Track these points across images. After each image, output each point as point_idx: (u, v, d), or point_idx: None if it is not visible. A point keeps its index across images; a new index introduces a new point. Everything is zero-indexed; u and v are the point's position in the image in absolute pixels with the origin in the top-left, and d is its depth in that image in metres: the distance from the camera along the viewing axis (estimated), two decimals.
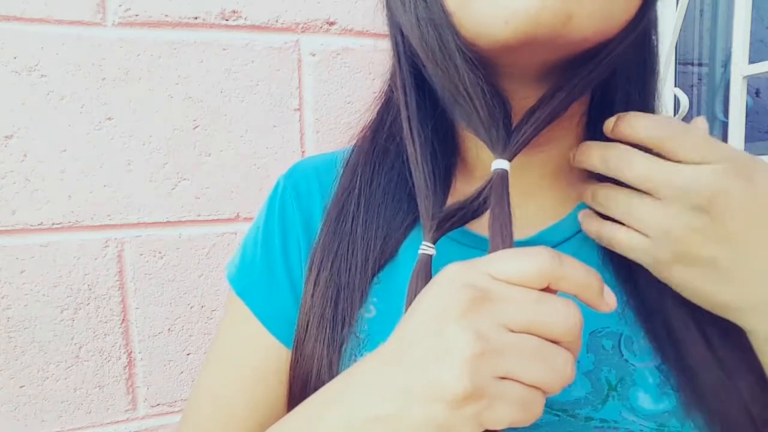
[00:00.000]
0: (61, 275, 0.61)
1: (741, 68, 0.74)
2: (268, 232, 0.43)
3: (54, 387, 0.62)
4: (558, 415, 0.34)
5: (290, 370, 0.40)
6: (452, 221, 0.34)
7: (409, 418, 0.26)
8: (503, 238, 0.29)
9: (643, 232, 0.32)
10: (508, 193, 0.30)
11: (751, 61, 0.73)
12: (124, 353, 0.63)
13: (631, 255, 0.34)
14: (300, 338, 0.39)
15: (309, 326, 0.39)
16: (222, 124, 0.64)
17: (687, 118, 0.87)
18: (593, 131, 0.39)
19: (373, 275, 0.39)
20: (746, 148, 0.76)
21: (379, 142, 0.43)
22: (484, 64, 0.31)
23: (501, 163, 0.31)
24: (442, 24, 0.31)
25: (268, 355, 0.41)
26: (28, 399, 0.61)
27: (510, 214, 0.30)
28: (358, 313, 0.38)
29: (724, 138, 0.88)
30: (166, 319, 0.64)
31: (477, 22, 0.29)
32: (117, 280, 0.62)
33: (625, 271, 0.37)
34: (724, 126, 0.92)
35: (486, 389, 0.24)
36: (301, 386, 0.39)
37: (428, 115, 0.37)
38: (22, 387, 0.61)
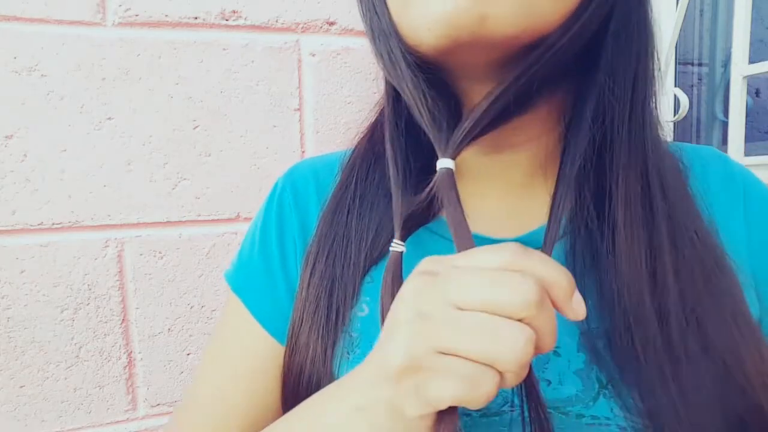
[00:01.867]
0: (61, 275, 0.61)
1: (741, 68, 0.74)
2: (266, 231, 0.44)
3: (54, 387, 0.62)
4: (549, 413, 0.34)
5: (285, 362, 0.41)
6: (415, 221, 0.35)
7: (372, 402, 0.27)
8: (460, 235, 0.29)
9: None
10: (456, 191, 0.31)
11: (751, 61, 0.73)
12: (124, 353, 0.63)
13: None
14: (295, 329, 0.40)
15: (304, 316, 0.39)
16: (222, 124, 0.64)
17: (687, 118, 0.87)
18: (575, 128, 0.38)
19: (366, 268, 0.40)
20: (746, 148, 0.76)
21: (377, 141, 0.44)
22: (438, 68, 0.33)
23: (444, 162, 0.32)
24: (390, 33, 0.33)
25: (264, 352, 0.42)
26: (28, 399, 0.61)
27: (462, 210, 0.30)
28: (351, 310, 0.38)
29: (724, 138, 0.88)
30: (166, 319, 0.64)
31: (411, 31, 0.31)
32: (117, 280, 0.62)
33: None
34: (724, 126, 0.92)
35: (422, 361, 0.24)
36: (295, 377, 0.39)
37: (402, 117, 0.38)
38: (22, 387, 0.61)
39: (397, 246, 0.34)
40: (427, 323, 0.25)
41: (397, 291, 0.34)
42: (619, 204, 0.35)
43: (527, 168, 0.40)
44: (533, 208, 0.39)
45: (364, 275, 0.39)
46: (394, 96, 0.38)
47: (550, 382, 0.35)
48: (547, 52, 0.31)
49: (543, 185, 0.40)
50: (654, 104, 0.38)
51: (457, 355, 0.24)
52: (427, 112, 0.33)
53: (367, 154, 0.44)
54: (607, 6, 0.32)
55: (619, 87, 0.35)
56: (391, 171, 0.37)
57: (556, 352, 0.36)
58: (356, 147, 0.45)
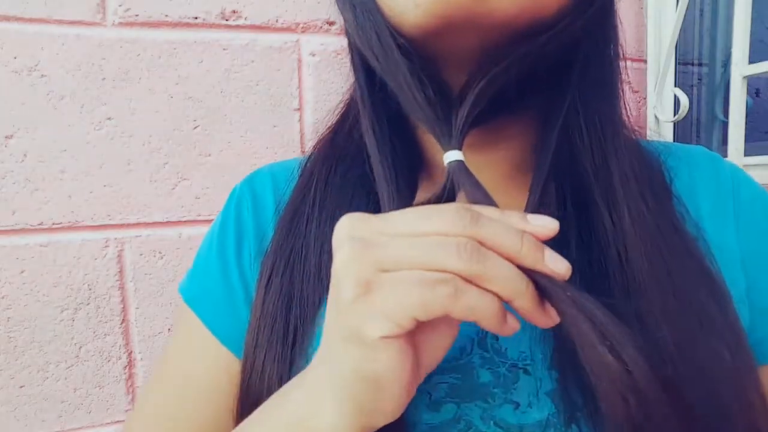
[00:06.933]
0: (61, 275, 0.61)
1: (741, 68, 0.74)
2: (223, 237, 0.41)
3: (54, 387, 0.62)
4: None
5: (240, 383, 0.37)
6: None
7: (333, 347, 0.26)
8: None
9: None
10: (475, 177, 0.28)
11: (751, 61, 0.73)
12: (124, 353, 0.63)
13: None
14: (248, 349, 0.36)
15: (258, 337, 0.36)
16: (222, 124, 0.64)
17: (687, 118, 0.87)
18: (550, 128, 0.36)
19: (328, 281, 0.37)
20: (746, 148, 0.76)
21: (338, 144, 0.41)
22: (424, 55, 0.30)
23: (454, 155, 0.29)
24: (374, 10, 0.30)
25: (218, 368, 0.39)
26: (28, 399, 0.61)
27: (487, 192, 0.28)
28: (312, 327, 0.35)
29: (724, 138, 0.88)
30: (166, 319, 0.64)
31: (393, 7, 0.28)
32: (117, 280, 0.62)
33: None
34: (724, 126, 0.92)
35: (372, 282, 0.24)
36: (252, 404, 0.35)
37: (384, 110, 0.35)
38: (22, 387, 0.60)
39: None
40: (368, 248, 0.24)
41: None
42: (597, 200, 0.33)
43: (503, 168, 0.38)
44: (507, 208, 0.38)
45: (327, 288, 0.36)
46: (368, 88, 0.34)
47: (518, 405, 0.32)
48: (544, 38, 0.29)
49: (517, 186, 0.38)
50: (623, 102, 0.36)
51: (401, 269, 0.24)
52: (426, 101, 0.29)
53: (327, 159, 0.40)
54: (599, 1, 0.31)
55: (594, 86, 0.34)
56: (380, 170, 0.33)
57: (525, 371, 0.32)
58: (314, 151, 0.42)
